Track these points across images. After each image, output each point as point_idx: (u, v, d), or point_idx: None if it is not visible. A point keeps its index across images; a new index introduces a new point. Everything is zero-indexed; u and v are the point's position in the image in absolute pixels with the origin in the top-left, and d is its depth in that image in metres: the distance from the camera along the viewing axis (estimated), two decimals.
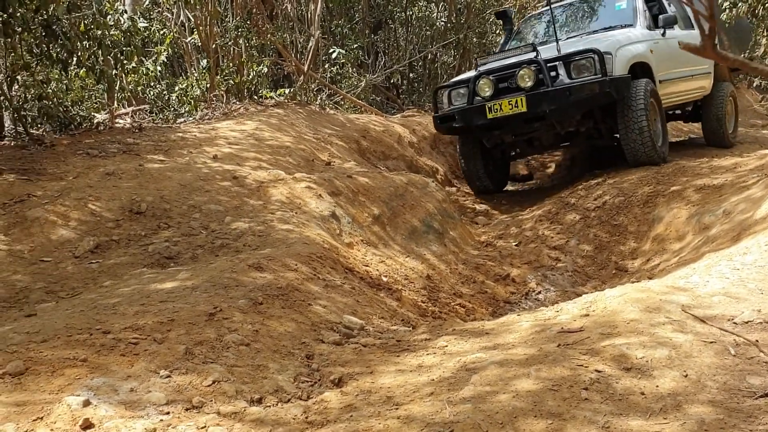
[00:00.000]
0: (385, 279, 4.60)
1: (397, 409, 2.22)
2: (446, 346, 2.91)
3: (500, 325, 3.19)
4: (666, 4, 8.52)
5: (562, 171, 9.39)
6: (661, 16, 8.03)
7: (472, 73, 7.65)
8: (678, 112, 9.48)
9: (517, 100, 6.95)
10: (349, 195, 5.51)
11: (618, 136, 7.33)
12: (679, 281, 3.41)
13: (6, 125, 6.52)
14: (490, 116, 7.08)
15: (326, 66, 10.80)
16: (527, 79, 6.94)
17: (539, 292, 5.55)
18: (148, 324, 2.76)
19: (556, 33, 7.46)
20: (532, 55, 7.08)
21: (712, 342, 2.50)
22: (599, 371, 2.30)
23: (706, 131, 9.30)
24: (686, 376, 2.26)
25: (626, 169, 7.30)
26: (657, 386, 2.20)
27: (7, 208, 4.57)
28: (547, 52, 7.21)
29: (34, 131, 6.42)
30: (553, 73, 6.95)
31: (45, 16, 6.06)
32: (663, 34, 7.94)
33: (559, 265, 6.00)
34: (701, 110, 9.26)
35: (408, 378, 2.53)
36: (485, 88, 7.20)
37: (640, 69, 7.41)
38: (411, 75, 12.48)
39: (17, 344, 2.55)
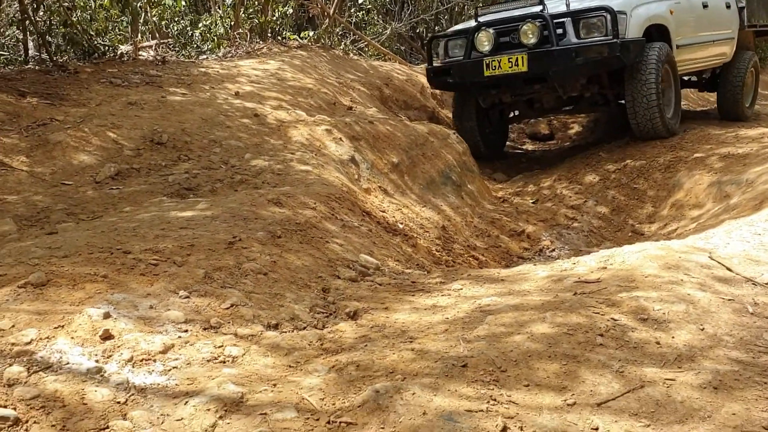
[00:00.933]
0: (401, 226, 4.61)
1: (411, 342, 2.23)
2: (461, 289, 2.92)
3: (516, 274, 3.19)
4: None
5: (585, 132, 9.28)
6: None
7: (472, 24, 6.86)
8: (693, 79, 8.70)
9: (517, 58, 6.28)
10: (369, 141, 5.48)
11: (624, 103, 6.75)
12: (699, 242, 3.39)
13: (30, 50, 6.50)
14: (487, 74, 6.41)
15: (352, 11, 10.65)
16: (530, 35, 6.29)
17: (553, 250, 5.54)
18: (168, 248, 2.78)
19: None
20: (538, 8, 6.43)
21: (730, 300, 2.49)
22: (615, 320, 2.30)
23: (720, 102, 8.47)
24: (703, 329, 2.25)
25: None
26: (673, 337, 2.20)
27: (30, 130, 4.58)
28: (555, 6, 6.54)
29: (58, 57, 6.40)
30: (559, 31, 6.27)
31: None
32: None
33: (574, 225, 5.98)
34: (719, 79, 8.44)
35: (422, 315, 2.55)
36: (484, 42, 6.51)
37: (657, 31, 6.75)
38: (437, 27, 12.28)
39: (39, 258, 2.58)
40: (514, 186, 7.17)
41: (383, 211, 4.68)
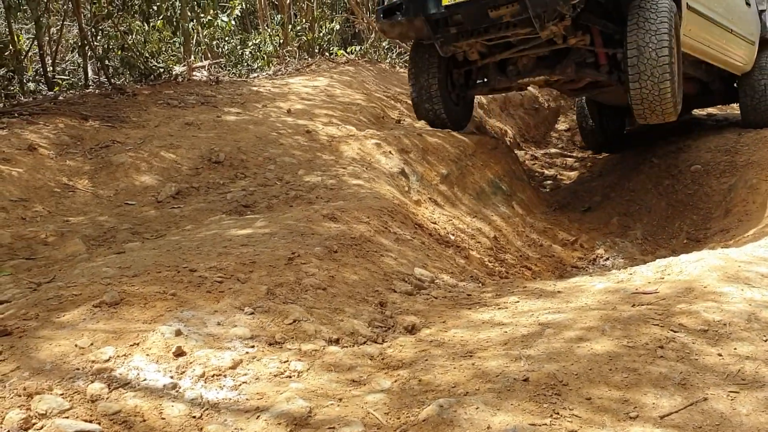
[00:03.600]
0: (452, 237, 4.64)
1: (470, 357, 2.27)
2: (517, 302, 2.95)
3: (572, 286, 3.20)
4: None
5: (633, 138, 9.17)
6: None
7: None
8: (697, 89, 7.50)
9: None
10: (418, 153, 5.53)
11: (625, 71, 5.26)
12: (758, 250, 3.34)
13: (90, 74, 6.77)
14: (446, 2, 5.27)
15: None
16: None
17: (607, 259, 5.49)
18: (231, 265, 2.88)
19: None
20: None
21: None
22: (675, 332, 2.29)
23: (746, 109, 7.44)
24: (766, 341, 2.23)
25: (704, 136, 7.09)
26: (735, 349, 2.18)
27: (93, 153, 4.78)
28: None
29: (116, 81, 6.64)
30: None
31: None
32: None
33: (628, 233, 5.92)
34: (739, 86, 7.48)
35: (480, 330, 2.58)
36: None
37: None
38: None
39: (110, 277, 2.71)
40: (564, 193, 7.12)
41: (434, 223, 4.72)
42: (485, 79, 6.28)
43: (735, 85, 7.60)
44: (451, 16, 5.32)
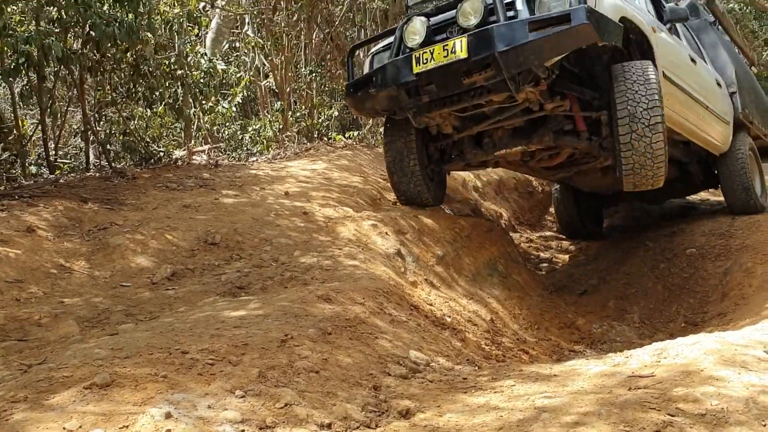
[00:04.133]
0: (448, 319, 4.62)
1: None
2: (514, 386, 2.91)
3: (568, 370, 3.17)
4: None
5: (629, 221, 9.26)
6: (667, 7, 6.13)
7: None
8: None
9: (454, 43, 4.88)
10: (414, 234, 5.58)
11: (614, 136, 5.02)
12: (755, 334, 3.33)
13: (91, 158, 6.89)
14: (417, 69, 5.01)
15: None
16: (471, 15, 4.93)
17: (604, 342, 5.45)
18: (223, 347, 2.86)
19: None
20: None
21: None
22: (672, 416, 2.26)
23: (728, 194, 7.21)
24: (765, 426, 2.20)
25: (697, 220, 7.16)
26: None
27: (91, 234, 4.81)
28: None
29: (116, 164, 6.76)
30: (510, 13, 4.86)
31: (134, 57, 6.43)
32: (669, 29, 6.10)
33: (625, 316, 5.89)
34: (718, 169, 7.22)
35: (476, 414, 2.54)
36: (414, 34, 5.18)
37: (635, 44, 5.36)
38: None
39: (102, 359, 2.68)
40: (560, 276, 7.13)
41: (430, 305, 4.71)
42: (462, 152, 6.00)
43: (715, 170, 7.43)
44: (423, 84, 5.08)
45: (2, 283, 3.92)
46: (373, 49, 5.83)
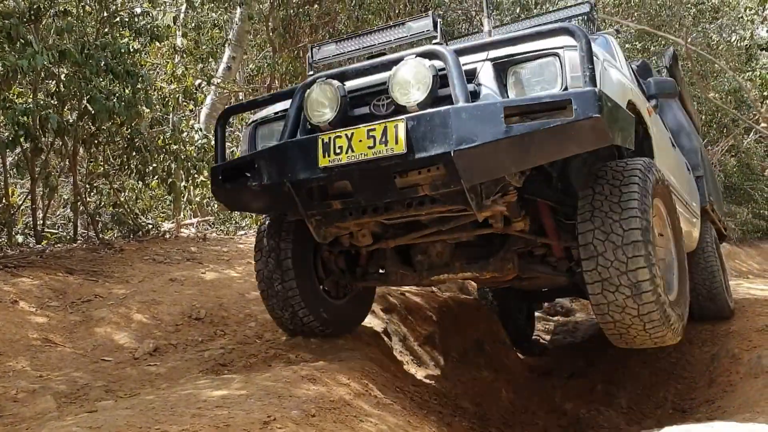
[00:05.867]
0: (435, 402, 4.55)
1: None
2: None
3: None
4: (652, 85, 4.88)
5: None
6: (651, 80, 4.79)
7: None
8: None
9: (386, 129, 3.15)
10: (402, 312, 5.55)
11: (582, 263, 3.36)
12: (745, 426, 3.30)
13: (79, 229, 6.88)
14: (325, 162, 3.28)
15: None
16: (413, 87, 3.22)
17: (592, 428, 5.37)
18: (204, 428, 2.79)
19: (487, 5, 4.24)
20: (431, 35, 3.46)
21: None
22: None
23: (696, 298, 6.00)
24: None
25: None
26: None
27: (74, 306, 4.76)
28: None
29: (104, 236, 6.75)
30: (470, 87, 3.22)
31: (129, 130, 6.52)
32: (655, 106, 4.59)
33: (613, 402, 5.82)
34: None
35: None
36: (321, 106, 3.42)
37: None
38: None
39: None
40: (548, 359, 7.07)
41: (416, 386, 4.64)
42: (379, 270, 4.35)
43: None
44: (333, 182, 3.40)
45: None
46: (259, 115, 4.00)
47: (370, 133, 3.19)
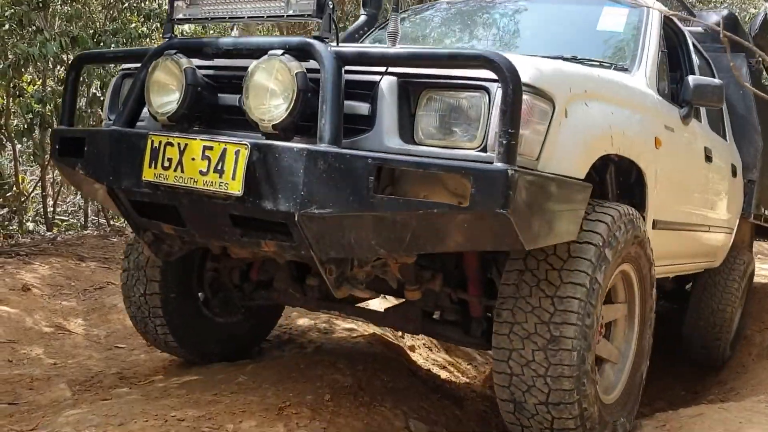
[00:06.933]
0: (448, 386, 4.55)
1: None
2: None
3: None
4: (696, 60, 4.15)
5: None
6: (690, 79, 3.52)
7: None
8: None
9: (224, 152, 2.30)
10: None
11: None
12: (759, 405, 3.29)
13: (89, 216, 6.90)
14: (148, 176, 2.46)
15: None
16: (272, 98, 2.32)
17: None
18: (220, 414, 2.81)
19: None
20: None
21: None
22: None
23: (690, 331, 4.97)
24: None
25: None
26: None
27: (87, 294, 4.78)
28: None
29: (114, 222, 6.76)
30: (361, 107, 2.35)
31: None
32: (686, 117, 3.58)
33: None
34: (692, 294, 4.95)
35: None
36: (164, 90, 2.55)
37: (618, 174, 3.12)
38: None
39: (95, 426, 2.63)
40: None
41: (428, 370, 4.65)
42: (269, 286, 3.58)
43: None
44: (162, 202, 2.57)
45: None
46: (128, 65, 3.02)
47: (206, 153, 2.32)
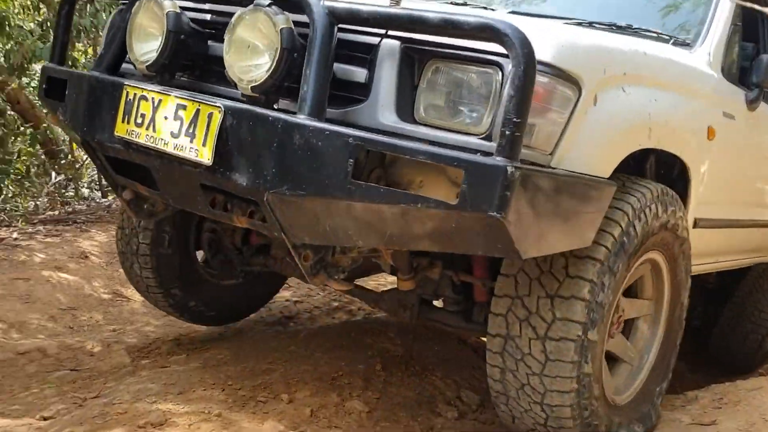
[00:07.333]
0: None
1: None
2: None
3: None
4: None
5: None
6: (765, 57, 3.05)
7: None
8: None
9: (197, 113, 2.06)
10: None
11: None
12: None
13: None
14: (120, 132, 2.23)
15: None
16: (253, 56, 2.04)
17: None
18: (275, 383, 2.86)
19: None
20: None
21: None
22: None
23: (722, 335, 4.36)
24: None
25: None
26: None
27: None
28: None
29: None
30: (361, 74, 2.08)
31: None
32: (753, 102, 3.12)
33: None
34: (734, 293, 4.29)
35: None
36: (145, 35, 2.28)
37: (659, 167, 2.76)
38: None
39: (155, 395, 2.70)
40: None
41: (478, 338, 4.65)
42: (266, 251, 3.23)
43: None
44: (134, 160, 2.37)
45: (56, 310, 4.00)
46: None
47: (179, 112, 2.09)
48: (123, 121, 2.22)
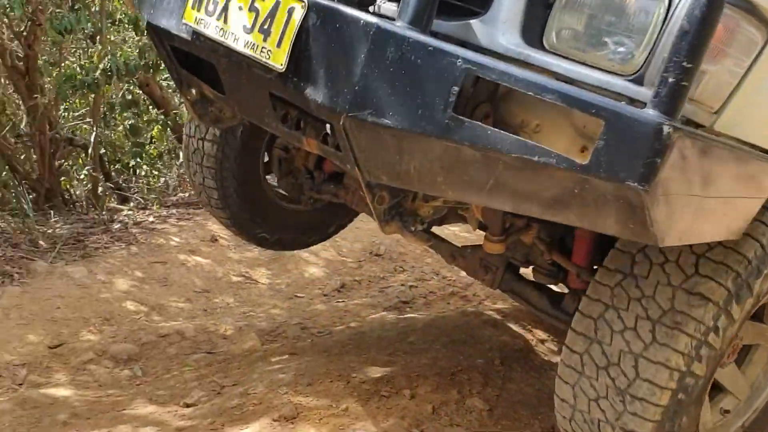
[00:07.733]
0: None
1: None
2: None
3: None
4: None
5: None
6: None
7: None
8: None
9: (276, 5, 1.68)
10: None
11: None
12: None
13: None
14: (188, 19, 1.87)
15: None
16: None
17: None
18: (397, 377, 2.95)
19: None
20: None
21: None
22: None
23: None
24: None
25: None
26: None
27: None
28: None
29: None
30: None
31: None
32: None
33: None
34: None
35: None
36: None
37: None
38: None
39: (287, 386, 2.86)
40: None
41: None
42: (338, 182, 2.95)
43: None
44: (201, 55, 2.05)
45: (191, 293, 4.28)
46: None
47: (256, 3, 1.73)
48: (193, 7, 1.87)
